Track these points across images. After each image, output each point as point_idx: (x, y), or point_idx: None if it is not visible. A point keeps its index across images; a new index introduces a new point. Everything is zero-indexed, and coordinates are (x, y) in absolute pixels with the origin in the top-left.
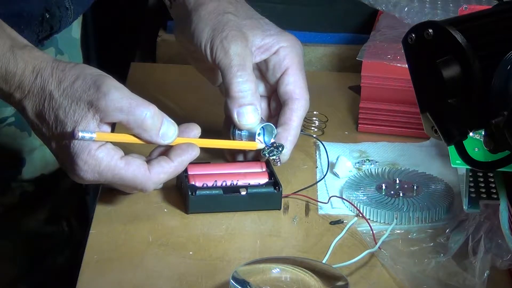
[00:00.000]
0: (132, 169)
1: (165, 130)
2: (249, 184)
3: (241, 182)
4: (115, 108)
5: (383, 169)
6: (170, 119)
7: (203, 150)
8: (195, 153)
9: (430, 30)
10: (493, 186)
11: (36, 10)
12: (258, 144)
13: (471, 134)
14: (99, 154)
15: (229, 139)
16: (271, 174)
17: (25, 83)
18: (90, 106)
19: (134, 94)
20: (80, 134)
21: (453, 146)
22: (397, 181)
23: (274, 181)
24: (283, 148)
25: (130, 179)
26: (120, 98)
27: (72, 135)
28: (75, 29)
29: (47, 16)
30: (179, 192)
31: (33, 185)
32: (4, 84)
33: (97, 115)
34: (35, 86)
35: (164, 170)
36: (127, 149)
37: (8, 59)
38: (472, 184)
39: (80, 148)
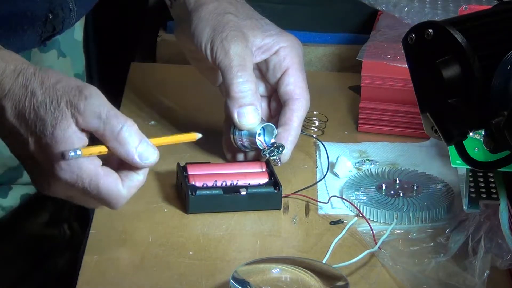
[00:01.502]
0: (109, 181)
1: (143, 149)
2: (249, 184)
3: (241, 182)
4: (94, 112)
5: (383, 169)
6: (151, 143)
7: (203, 149)
8: (156, 160)
9: (430, 30)
10: (493, 186)
11: (40, 10)
12: (197, 135)
13: (471, 134)
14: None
15: (229, 138)
16: (271, 174)
17: (6, 82)
18: (70, 106)
19: (114, 107)
20: (70, 154)
21: (453, 146)
22: (397, 181)
23: (274, 181)
24: (283, 148)
25: (105, 191)
26: (99, 104)
27: (61, 156)
28: (77, 31)
29: (51, 17)
30: (179, 192)
31: (34, 188)
32: None
33: (76, 116)
34: (16, 84)
35: (134, 185)
36: None
37: None
38: (472, 184)
39: (63, 142)
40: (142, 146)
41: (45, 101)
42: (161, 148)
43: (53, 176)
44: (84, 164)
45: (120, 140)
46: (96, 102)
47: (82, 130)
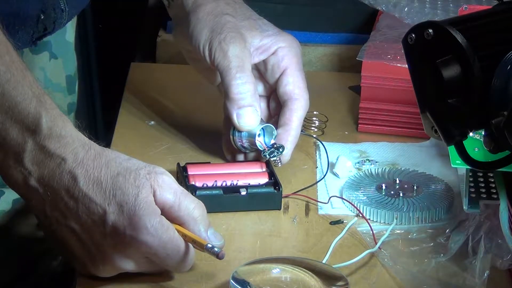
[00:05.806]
0: (184, 245)
1: (212, 231)
2: (249, 184)
3: (241, 182)
4: (170, 187)
5: (383, 169)
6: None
7: (203, 149)
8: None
9: (430, 30)
10: (493, 186)
11: (32, 10)
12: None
13: (471, 134)
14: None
15: (229, 139)
16: (271, 174)
17: (79, 151)
18: (149, 178)
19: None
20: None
21: (453, 146)
22: (397, 181)
23: (274, 181)
24: (283, 149)
25: (183, 254)
26: (173, 181)
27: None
28: (69, 32)
29: (42, 17)
30: None
31: None
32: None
33: (154, 188)
34: (89, 155)
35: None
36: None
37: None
38: (472, 184)
39: (147, 208)
40: (212, 229)
41: (122, 173)
42: (161, 149)
43: (129, 243)
44: (170, 230)
45: (195, 216)
46: (170, 179)
47: (156, 203)
